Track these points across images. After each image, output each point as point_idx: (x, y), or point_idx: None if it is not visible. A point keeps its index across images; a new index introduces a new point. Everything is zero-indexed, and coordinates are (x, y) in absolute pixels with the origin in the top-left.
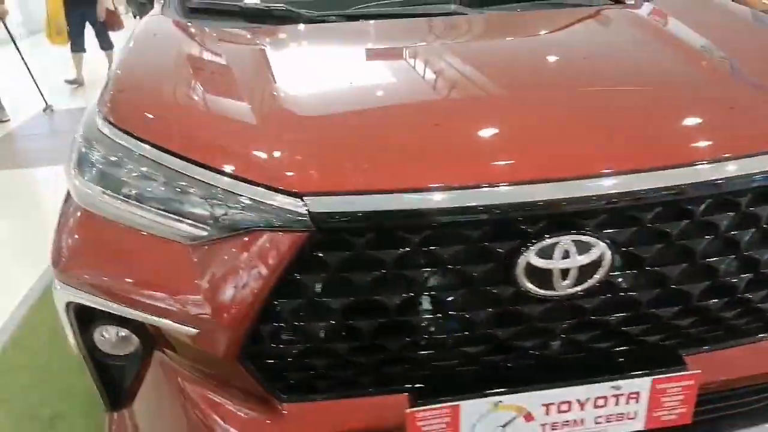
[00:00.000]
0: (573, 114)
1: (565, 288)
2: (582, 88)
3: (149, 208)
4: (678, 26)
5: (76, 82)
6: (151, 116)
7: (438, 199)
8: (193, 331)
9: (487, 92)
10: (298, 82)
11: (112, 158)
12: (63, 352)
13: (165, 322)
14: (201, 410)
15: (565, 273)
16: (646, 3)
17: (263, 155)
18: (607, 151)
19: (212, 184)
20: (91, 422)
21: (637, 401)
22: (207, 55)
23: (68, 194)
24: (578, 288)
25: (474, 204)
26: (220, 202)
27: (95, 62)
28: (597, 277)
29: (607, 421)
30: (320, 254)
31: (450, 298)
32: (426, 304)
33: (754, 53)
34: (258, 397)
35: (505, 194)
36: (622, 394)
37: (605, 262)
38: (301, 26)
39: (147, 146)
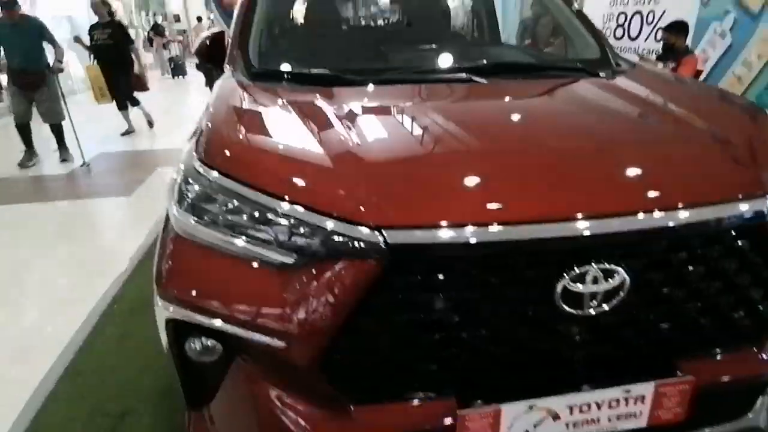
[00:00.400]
0: (598, 165)
1: (593, 308)
2: (602, 144)
3: (241, 237)
4: (652, 94)
5: (128, 132)
6: (241, 159)
7: (495, 232)
8: (281, 344)
9: (532, 145)
10: (362, 131)
11: (208, 193)
12: (130, 356)
13: (256, 337)
14: (275, 410)
15: (593, 295)
16: (621, 76)
17: (343, 193)
18: (626, 194)
19: (297, 218)
20: (157, 418)
21: (642, 402)
22: (281, 109)
23: (166, 224)
24: (603, 307)
25: (527, 237)
26: (304, 233)
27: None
28: (618, 298)
29: (617, 419)
30: (391, 278)
31: (497, 317)
32: (478, 321)
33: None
34: (329, 399)
35: (552, 229)
36: (631, 397)
37: (625, 286)
38: (348, 88)
39: (239, 185)
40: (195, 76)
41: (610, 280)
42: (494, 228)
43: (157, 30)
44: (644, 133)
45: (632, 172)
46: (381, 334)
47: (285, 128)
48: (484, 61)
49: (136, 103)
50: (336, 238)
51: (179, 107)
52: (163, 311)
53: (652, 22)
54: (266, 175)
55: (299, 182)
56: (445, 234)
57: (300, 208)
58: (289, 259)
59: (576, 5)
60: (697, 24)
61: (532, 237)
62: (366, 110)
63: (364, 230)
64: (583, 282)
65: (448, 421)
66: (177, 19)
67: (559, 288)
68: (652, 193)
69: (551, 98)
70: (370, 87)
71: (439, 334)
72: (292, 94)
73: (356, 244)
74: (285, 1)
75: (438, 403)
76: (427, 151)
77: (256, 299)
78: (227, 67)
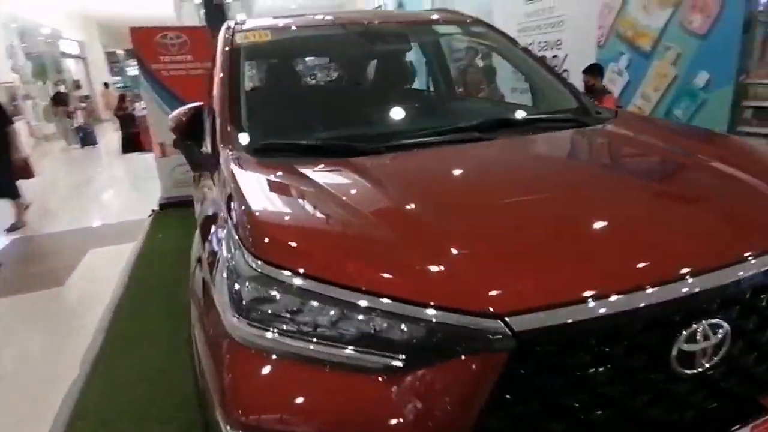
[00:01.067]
0: (686, 223)
1: (704, 364)
2: (675, 201)
3: (331, 343)
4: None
5: (15, 228)
6: (314, 252)
7: (617, 302)
8: None
9: (615, 208)
10: (429, 207)
11: (277, 295)
12: None
13: None
14: None
15: (704, 352)
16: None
17: (449, 280)
18: (720, 247)
19: (399, 313)
20: None
21: None
22: (322, 191)
23: (205, 326)
24: (712, 362)
25: (646, 303)
26: (410, 330)
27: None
28: (724, 349)
29: None
30: (518, 367)
31: (620, 389)
32: (601, 396)
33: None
34: None
35: (668, 291)
36: None
37: (728, 337)
38: (375, 157)
39: (319, 283)
40: (107, 145)
41: (717, 333)
42: (616, 298)
43: (59, 99)
44: (699, 184)
45: (718, 224)
46: (511, 426)
47: (342, 212)
48: (486, 119)
49: (15, 195)
50: (451, 332)
51: (91, 180)
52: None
53: (555, 66)
54: (349, 269)
55: (389, 272)
56: (570, 312)
57: (399, 303)
58: (397, 363)
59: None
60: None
61: (651, 302)
62: (415, 181)
63: (487, 321)
64: (694, 341)
65: None
66: (77, 85)
67: (674, 350)
68: (741, 243)
69: (583, 154)
70: (395, 155)
71: (567, 415)
72: (317, 169)
73: (478, 336)
74: (270, 70)
75: None
76: (519, 224)
77: (365, 413)
78: (221, 146)
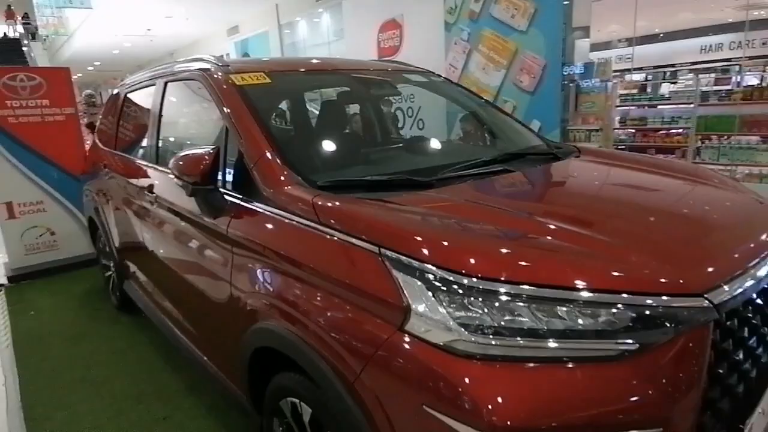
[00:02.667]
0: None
1: None
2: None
3: (565, 339)
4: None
5: None
6: (520, 263)
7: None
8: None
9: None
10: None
11: (498, 304)
12: None
13: None
14: None
15: None
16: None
17: (647, 268)
18: None
19: (616, 303)
20: None
21: None
22: (469, 211)
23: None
24: None
25: None
26: (630, 317)
27: None
28: None
29: None
30: (723, 334)
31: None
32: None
33: None
34: None
35: None
36: None
37: None
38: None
39: (526, 286)
40: None
41: None
42: (755, 270)
43: None
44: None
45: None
46: (716, 388)
47: (511, 225)
48: (506, 153)
49: None
50: (667, 314)
51: None
52: None
53: (412, 116)
54: (555, 270)
55: (609, 270)
56: (738, 284)
57: (614, 295)
58: (631, 347)
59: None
60: (448, 116)
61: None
62: (519, 200)
63: (688, 300)
64: None
65: None
66: None
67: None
68: None
69: (601, 175)
70: (455, 185)
71: (737, 374)
72: (409, 199)
73: (688, 313)
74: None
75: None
76: (656, 225)
77: (610, 397)
78: (262, 185)
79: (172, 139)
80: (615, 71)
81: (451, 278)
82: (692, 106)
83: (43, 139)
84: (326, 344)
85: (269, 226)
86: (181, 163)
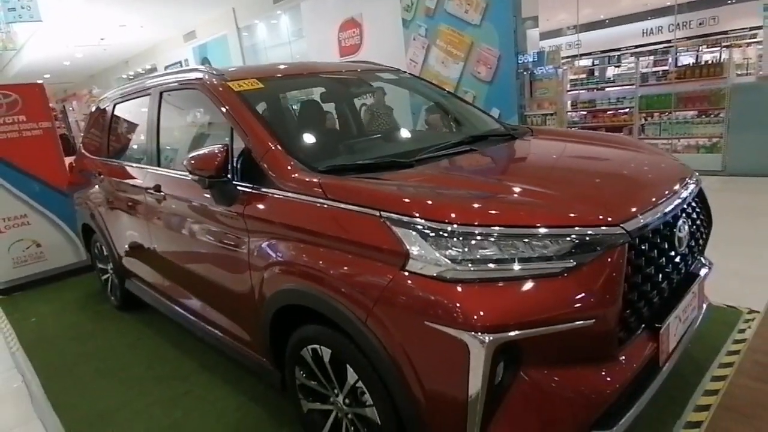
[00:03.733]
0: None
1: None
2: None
3: (520, 264)
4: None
5: None
6: (505, 211)
7: (659, 209)
8: (590, 322)
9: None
10: (521, 178)
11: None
12: None
13: (574, 323)
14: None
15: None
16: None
17: (586, 209)
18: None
19: (564, 235)
20: None
21: (694, 295)
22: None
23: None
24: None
25: (665, 210)
26: (574, 245)
27: None
28: (685, 234)
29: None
30: (634, 254)
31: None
32: (663, 271)
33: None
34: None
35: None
36: (694, 292)
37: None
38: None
39: (505, 228)
40: None
41: (686, 226)
42: (655, 208)
43: None
44: (630, 157)
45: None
46: (632, 293)
47: (485, 189)
48: (471, 136)
49: None
50: (593, 240)
51: None
52: (489, 343)
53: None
54: (515, 216)
55: (543, 213)
56: (644, 218)
57: (557, 229)
58: (569, 264)
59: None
60: (413, 107)
61: (666, 210)
62: (489, 172)
63: (612, 229)
64: (680, 231)
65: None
66: None
67: (675, 237)
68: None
69: (553, 148)
70: (434, 164)
71: (649, 283)
72: (399, 176)
73: (609, 238)
74: (271, 110)
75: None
76: (590, 180)
77: (557, 301)
78: (272, 174)
79: (174, 143)
80: (565, 58)
81: (438, 227)
82: (634, 87)
83: (22, 154)
84: (341, 292)
85: (283, 206)
86: (196, 160)
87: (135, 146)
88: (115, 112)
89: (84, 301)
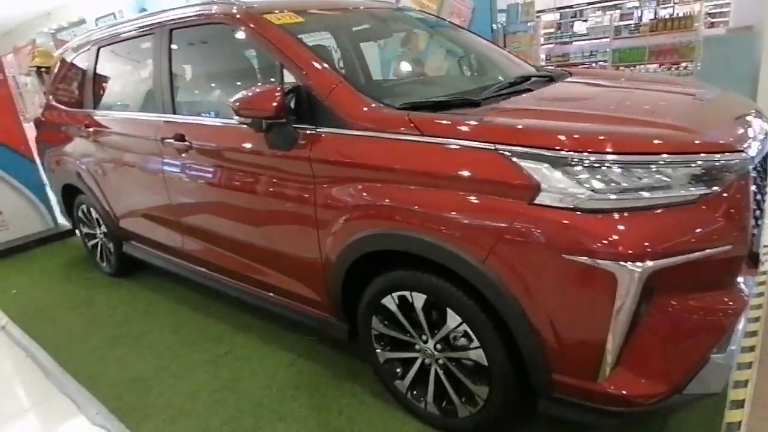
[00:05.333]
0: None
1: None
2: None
3: (655, 191)
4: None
5: None
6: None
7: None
8: (726, 248)
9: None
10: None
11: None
12: None
13: (716, 249)
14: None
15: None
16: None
17: (712, 137)
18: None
19: (696, 162)
20: None
21: None
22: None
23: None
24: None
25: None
26: (702, 172)
27: None
28: None
29: None
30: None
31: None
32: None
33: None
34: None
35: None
36: None
37: None
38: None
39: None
40: None
41: None
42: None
43: None
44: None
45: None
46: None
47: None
48: (532, 75)
49: None
50: (727, 164)
51: None
52: (641, 272)
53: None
54: (650, 143)
55: (675, 140)
56: (759, 144)
57: (691, 155)
58: (705, 191)
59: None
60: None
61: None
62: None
63: (741, 154)
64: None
65: None
66: None
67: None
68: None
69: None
70: (507, 100)
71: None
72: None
73: (739, 163)
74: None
75: None
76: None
77: (702, 226)
78: (340, 113)
79: (195, 87)
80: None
81: (575, 157)
82: (608, 40)
83: None
84: (451, 232)
85: (365, 146)
86: (247, 101)
87: (136, 93)
88: (101, 57)
89: (67, 270)
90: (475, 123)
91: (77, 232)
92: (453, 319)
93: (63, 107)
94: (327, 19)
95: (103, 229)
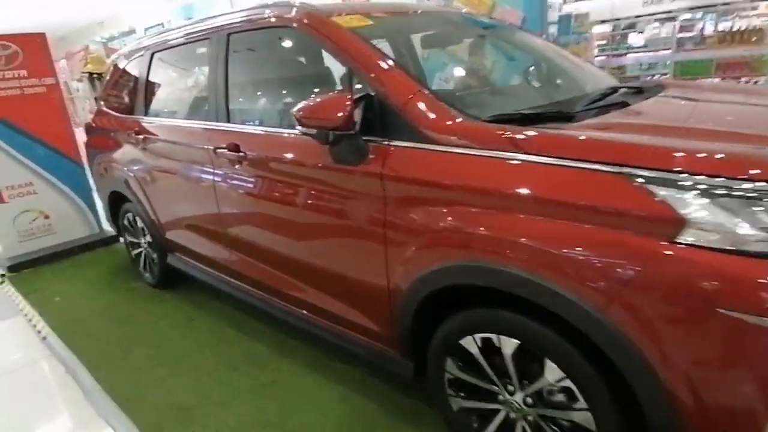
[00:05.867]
0: None
1: None
2: None
3: None
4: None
5: None
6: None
7: None
8: None
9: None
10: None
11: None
12: None
13: None
14: None
15: None
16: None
17: None
18: None
19: None
20: None
21: None
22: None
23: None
24: None
25: None
26: None
27: None
28: None
29: None
30: None
31: None
32: None
33: None
34: None
35: None
36: None
37: None
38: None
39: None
40: None
41: None
42: None
43: None
44: None
45: None
46: None
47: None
48: (611, 87)
49: None
50: None
51: None
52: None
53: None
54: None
55: None
56: None
57: None
58: None
59: None
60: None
61: None
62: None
63: None
64: None
65: None
66: None
67: None
68: None
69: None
70: (604, 116)
71: None
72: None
73: None
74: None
75: None
76: None
77: None
78: (419, 125)
79: (253, 95)
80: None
81: (731, 185)
82: (670, 52)
83: (24, 114)
84: (561, 270)
85: (451, 164)
86: (312, 110)
87: (188, 100)
88: (154, 63)
89: (110, 279)
90: (595, 140)
91: (121, 239)
92: (552, 372)
93: (114, 113)
94: (395, 23)
95: (148, 238)
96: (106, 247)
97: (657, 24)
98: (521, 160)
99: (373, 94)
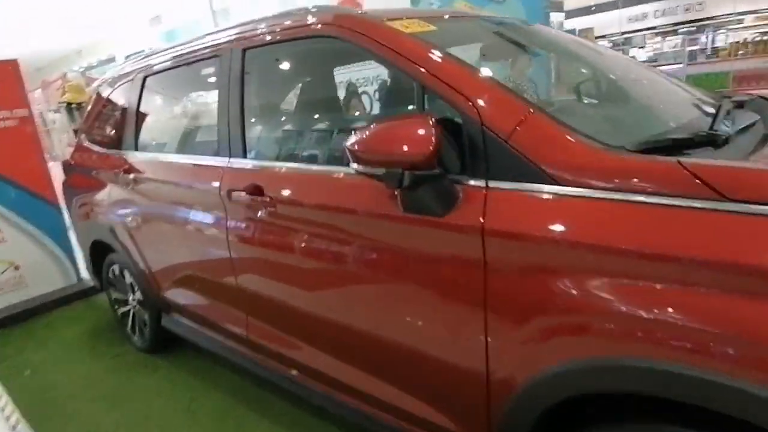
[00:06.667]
0: None
1: None
2: None
3: None
4: None
5: None
6: None
7: None
8: None
9: None
10: None
11: None
12: None
13: None
14: None
15: None
16: None
17: None
18: None
19: None
20: None
21: None
22: None
23: None
24: None
25: None
26: None
27: None
28: None
29: None
30: None
31: None
32: None
33: None
34: None
35: None
36: None
37: None
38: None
39: None
40: None
41: None
42: None
43: None
44: None
45: None
46: None
47: None
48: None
49: None
50: None
51: None
52: None
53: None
54: None
55: None
56: None
57: None
58: None
59: None
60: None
61: None
62: None
63: None
64: None
65: None
66: None
67: None
68: None
69: None
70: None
71: None
72: None
73: None
74: None
75: None
76: None
77: None
78: (544, 163)
79: (280, 124)
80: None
81: None
82: (681, 65)
83: None
84: None
85: (598, 215)
86: (382, 142)
87: (192, 132)
88: (147, 89)
89: (91, 342)
90: None
91: (107, 296)
92: None
93: (97, 148)
94: (465, 28)
95: (138, 296)
96: (85, 299)
97: (659, 38)
98: (708, 209)
99: (463, 118)
